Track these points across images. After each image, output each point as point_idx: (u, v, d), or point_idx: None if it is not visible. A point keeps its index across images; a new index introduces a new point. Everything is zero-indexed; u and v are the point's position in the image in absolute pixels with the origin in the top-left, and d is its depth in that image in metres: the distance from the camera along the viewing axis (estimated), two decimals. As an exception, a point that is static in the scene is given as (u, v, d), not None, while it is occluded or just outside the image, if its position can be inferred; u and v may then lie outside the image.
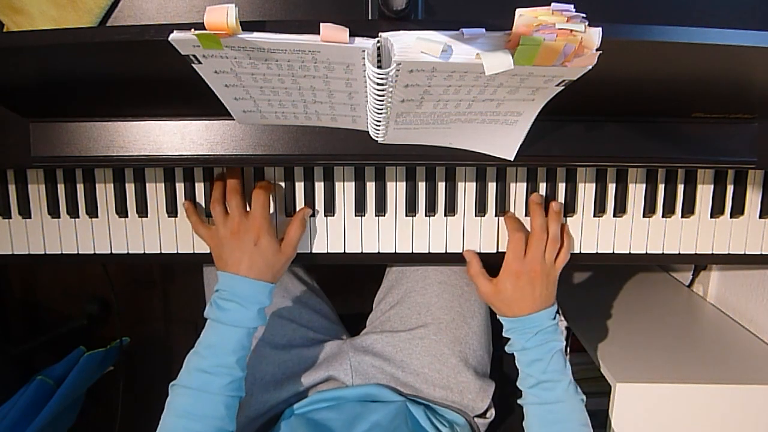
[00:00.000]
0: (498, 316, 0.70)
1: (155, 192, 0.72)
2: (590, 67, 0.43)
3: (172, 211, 0.72)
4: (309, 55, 0.46)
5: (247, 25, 0.44)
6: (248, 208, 0.69)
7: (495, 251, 0.74)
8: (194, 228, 0.70)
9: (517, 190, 0.73)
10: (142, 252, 0.74)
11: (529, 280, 0.67)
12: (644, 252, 0.74)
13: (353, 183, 0.72)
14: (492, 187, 0.73)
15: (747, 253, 0.75)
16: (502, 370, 0.96)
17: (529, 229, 0.70)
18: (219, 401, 0.61)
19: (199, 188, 0.72)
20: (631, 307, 0.97)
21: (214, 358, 0.62)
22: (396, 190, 0.73)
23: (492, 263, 0.72)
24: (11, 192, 0.72)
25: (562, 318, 0.96)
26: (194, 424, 0.60)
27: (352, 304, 1.02)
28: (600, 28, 0.42)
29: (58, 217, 0.73)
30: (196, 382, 0.62)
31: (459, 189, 0.73)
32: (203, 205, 0.73)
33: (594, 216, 0.74)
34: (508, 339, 0.69)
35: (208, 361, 0.62)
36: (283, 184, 0.72)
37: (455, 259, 0.74)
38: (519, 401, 0.69)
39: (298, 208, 0.72)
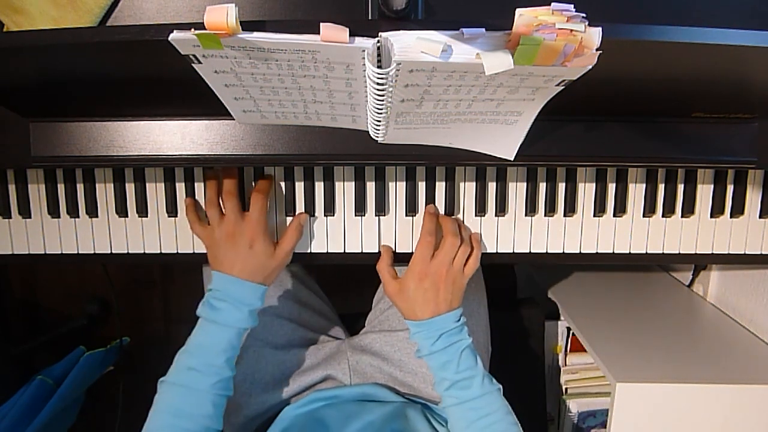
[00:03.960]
0: (404, 320, 0.69)
1: (155, 192, 0.72)
2: (590, 67, 0.43)
3: (172, 211, 0.72)
4: (309, 55, 0.46)
5: (247, 25, 0.44)
6: (244, 208, 0.68)
7: (495, 251, 0.74)
8: (191, 226, 0.70)
9: (517, 190, 0.73)
10: (142, 252, 0.74)
11: (433, 284, 0.66)
12: (644, 252, 0.74)
13: (353, 183, 0.72)
14: (492, 186, 0.73)
15: (747, 253, 0.75)
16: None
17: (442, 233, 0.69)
18: (207, 399, 0.62)
19: (199, 188, 0.72)
20: (631, 307, 0.97)
21: (204, 356, 0.63)
22: (396, 190, 0.73)
23: (496, 262, 0.73)
24: (11, 192, 0.72)
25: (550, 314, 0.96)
26: (182, 422, 0.61)
27: (351, 304, 1.02)
28: (600, 28, 0.42)
29: (58, 217, 0.73)
30: (185, 380, 0.62)
31: (459, 189, 0.73)
32: (203, 204, 0.72)
33: (594, 216, 0.74)
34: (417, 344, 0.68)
35: (197, 359, 0.63)
36: (283, 184, 0.72)
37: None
38: (440, 405, 0.69)
39: (298, 208, 0.72)
